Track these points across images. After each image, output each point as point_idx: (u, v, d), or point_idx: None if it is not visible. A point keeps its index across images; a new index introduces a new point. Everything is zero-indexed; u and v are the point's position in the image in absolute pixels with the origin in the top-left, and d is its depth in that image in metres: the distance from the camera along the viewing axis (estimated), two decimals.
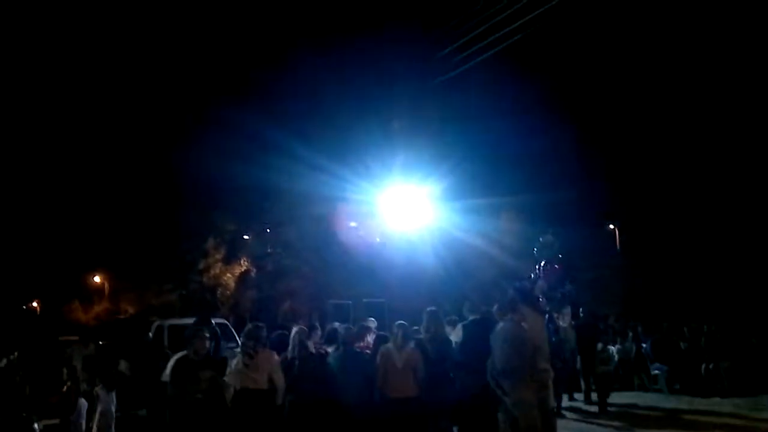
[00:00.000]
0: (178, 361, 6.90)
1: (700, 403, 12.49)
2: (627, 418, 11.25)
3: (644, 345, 15.04)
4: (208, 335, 7.09)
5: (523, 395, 6.82)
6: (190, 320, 12.36)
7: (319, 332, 8.36)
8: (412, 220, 23.76)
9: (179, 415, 6.65)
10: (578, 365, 13.03)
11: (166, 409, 7.03)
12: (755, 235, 29.27)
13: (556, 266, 13.43)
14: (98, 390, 9.55)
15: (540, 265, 13.68)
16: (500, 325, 7.28)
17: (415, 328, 8.93)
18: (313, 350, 7.62)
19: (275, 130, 24.73)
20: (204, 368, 6.68)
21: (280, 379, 7.05)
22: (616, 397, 13.29)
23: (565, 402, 12.47)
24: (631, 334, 16.19)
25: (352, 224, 26.97)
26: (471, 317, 7.93)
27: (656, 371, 14.37)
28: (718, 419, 10.91)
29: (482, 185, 26.69)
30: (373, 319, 9.62)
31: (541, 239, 15.12)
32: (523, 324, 7.06)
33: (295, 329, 7.63)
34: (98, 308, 32.79)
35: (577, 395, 13.33)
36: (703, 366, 13.96)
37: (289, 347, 7.46)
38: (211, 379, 6.70)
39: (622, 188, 29.21)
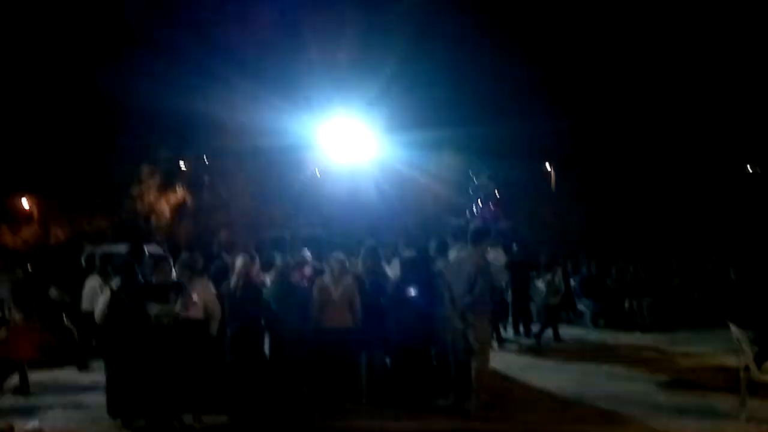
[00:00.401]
0: (146, 287, 6.94)
1: (622, 338, 13.10)
2: (552, 351, 11.70)
3: (572, 281, 15.55)
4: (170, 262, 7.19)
5: (486, 326, 7.38)
6: (122, 247, 12.15)
7: (257, 262, 8.32)
8: (353, 152, 23.62)
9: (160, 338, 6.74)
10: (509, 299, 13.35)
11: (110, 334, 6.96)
12: (686, 179, 30.29)
13: (490, 205, 13.68)
14: (15, 315, 9.30)
15: (475, 204, 13.91)
16: (458, 257, 7.54)
17: (353, 261, 9.00)
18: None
19: (213, 56, 23.94)
20: (170, 293, 6.74)
21: (215, 309, 7.03)
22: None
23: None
24: (560, 270, 16.71)
25: (292, 156, 26.65)
26: (408, 253, 8.00)
27: (582, 307, 14.92)
28: (637, 353, 11.48)
29: (425, 119, 26.62)
30: (307, 250, 9.66)
31: (476, 180, 15.33)
32: (487, 257, 7.52)
33: (239, 260, 7.59)
34: (27, 233, 31.75)
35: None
36: (627, 303, 14.60)
37: (233, 277, 7.44)
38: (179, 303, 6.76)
39: (562, 126, 29.60)
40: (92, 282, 10.55)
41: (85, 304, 10.59)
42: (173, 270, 7.21)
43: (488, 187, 14.99)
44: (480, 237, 7.62)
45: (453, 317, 7.33)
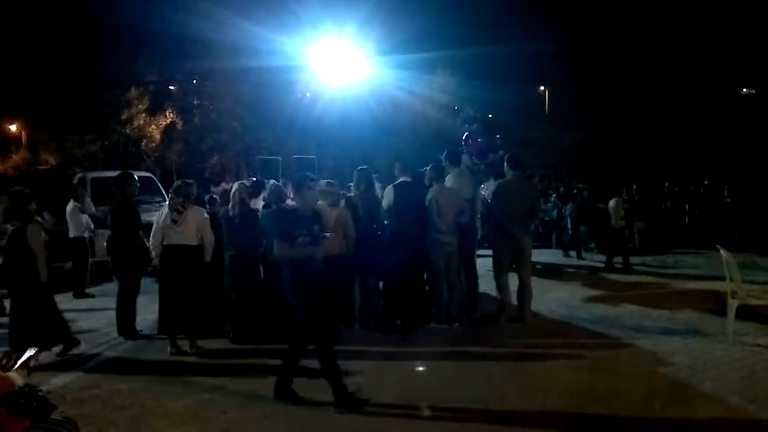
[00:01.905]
0: (280, 214, 5.62)
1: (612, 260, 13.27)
2: (544, 273, 11.86)
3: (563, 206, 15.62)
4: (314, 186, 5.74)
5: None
6: (113, 173, 12.08)
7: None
8: (345, 75, 23.25)
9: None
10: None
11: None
12: (680, 102, 30.07)
13: (479, 139, 13.59)
14: None
15: (463, 139, 13.83)
16: (507, 185, 8.04)
17: (350, 184, 8.95)
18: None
19: None
20: (312, 223, 5.45)
21: (209, 236, 7.03)
22: (536, 255, 13.94)
23: None
24: (553, 194, 16.80)
25: (283, 78, 26.17)
26: (402, 179, 7.93)
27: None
28: (627, 276, 11.65)
29: (417, 40, 26.09)
30: (274, 180, 9.60)
31: (461, 114, 15.17)
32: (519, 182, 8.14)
33: (235, 186, 7.57)
34: (17, 158, 31.45)
35: None
36: None
37: (230, 203, 7.41)
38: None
39: (557, 48, 29.15)
40: (69, 207, 10.64)
41: (71, 231, 10.65)
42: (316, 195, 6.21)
43: (474, 119, 14.92)
44: (518, 163, 8.22)
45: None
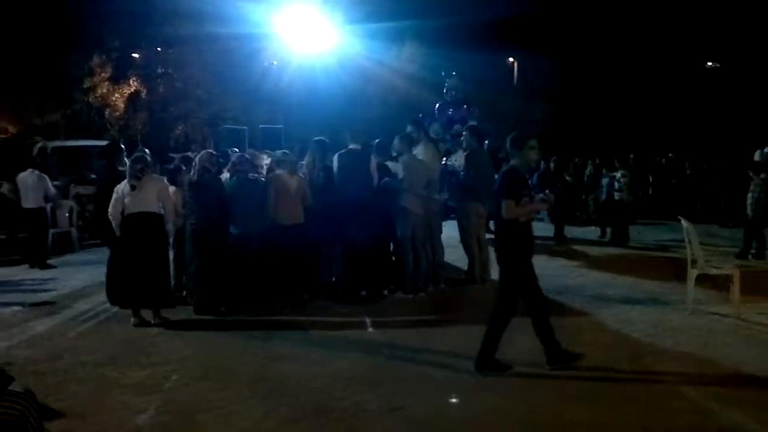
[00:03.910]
0: (509, 174, 5.35)
1: (574, 231, 13.43)
2: None
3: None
4: None
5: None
6: (76, 142, 11.81)
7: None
8: (312, 43, 22.92)
9: None
10: None
11: None
12: (645, 76, 30.32)
13: (464, 106, 13.59)
14: None
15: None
16: (467, 152, 8.59)
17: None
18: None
19: None
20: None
21: (169, 203, 6.94)
22: None
23: None
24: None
25: (250, 46, 25.73)
26: (351, 146, 7.84)
27: None
28: (590, 247, 11.82)
29: (385, 8, 25.81)
30: (236, 149, 9.51)
31: (447, 82, 15.12)
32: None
33: (200, 154, 7.50)
34: None
35: None
36: (583, 197, 14.87)
37: (192, 171, 7.32)
38: None
39: (525, 17, 29.07)
40: (27, 175, 10.39)
41: (29, 201, 10.43)
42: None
43: (458, 86, 14.90)
44: (480, 134, 8.89)
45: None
